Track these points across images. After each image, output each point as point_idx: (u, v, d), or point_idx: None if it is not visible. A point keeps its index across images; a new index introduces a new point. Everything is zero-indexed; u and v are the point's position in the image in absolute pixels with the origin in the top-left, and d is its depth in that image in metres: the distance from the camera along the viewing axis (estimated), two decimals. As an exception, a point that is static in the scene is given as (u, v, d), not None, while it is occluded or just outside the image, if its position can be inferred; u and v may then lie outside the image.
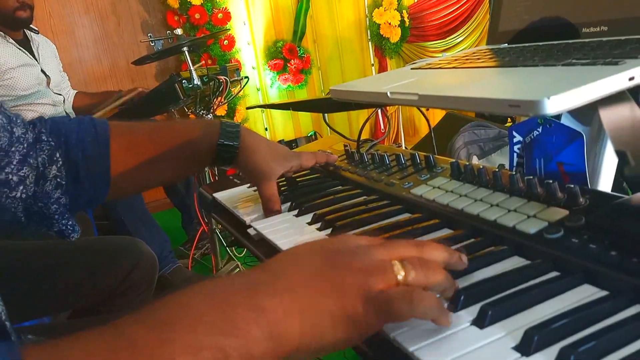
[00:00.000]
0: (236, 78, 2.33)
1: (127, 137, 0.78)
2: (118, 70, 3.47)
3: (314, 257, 0.45)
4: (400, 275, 0.44)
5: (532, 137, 0.67)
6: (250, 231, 0.80)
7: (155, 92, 1.95)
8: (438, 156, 0.85)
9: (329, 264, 0.44)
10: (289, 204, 0.85)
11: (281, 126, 3.57)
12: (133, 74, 3.47)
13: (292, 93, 3.57)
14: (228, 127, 0.81)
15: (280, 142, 3.42)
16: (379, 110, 1.05)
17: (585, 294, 0.47)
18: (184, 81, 1.89)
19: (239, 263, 1.98)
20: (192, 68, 1.90)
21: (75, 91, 2.46)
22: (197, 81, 1.90)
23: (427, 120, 1.00)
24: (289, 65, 3.49)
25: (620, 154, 0.41)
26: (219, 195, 0.98)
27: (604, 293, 0.46)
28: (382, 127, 3.52)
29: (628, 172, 0.40)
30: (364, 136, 1.15)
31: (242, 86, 2.38)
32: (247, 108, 3.09)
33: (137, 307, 1.20)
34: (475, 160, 2.16)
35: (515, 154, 0.72)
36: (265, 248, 0.75)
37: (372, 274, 0.44)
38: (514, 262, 0.55)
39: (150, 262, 1.26)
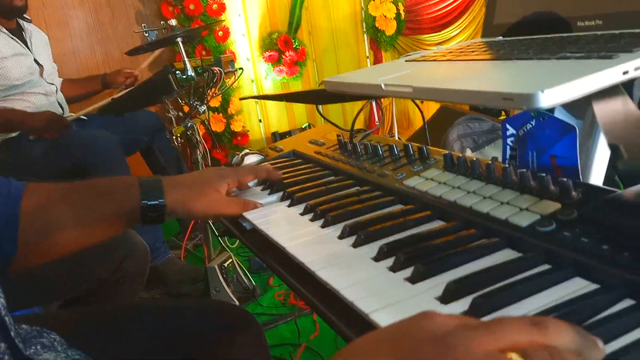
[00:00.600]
0: (230, 69, 2.31)
1: (40, 197, 0.71)
2: (112, 60, 3.44)
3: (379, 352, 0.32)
4: None
5: (526, 130, 0.67)
6: (242, 221, 0.80)
7: (148, 83, 1.93)
8: (431, 147, 0.85)
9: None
10: (280, 194, 0.85)
11: (275, 118, 3.56)
12: (127, 65, 3.44)
13: (286, 85, 3.55)
14: (148, 187, 0.75)
15: (274, 134, 3.41)
16: (373, 102, 1.04)
17: (576, 287, 0.47)
18: (177, 72, 1.87)
19: (231, 254, 1.98)
20: (186, 59, 1.88)
21: (62, 79, 2.44)
22: (191, 72, 1.89)
23: (422, 113, 1.00)
24: (283, 57, 3.47)
25: (613, 147, 0.41)
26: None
27: (595, 287, 0.46)
28: (377, 119, 3.52)
29: (621, 165, 0.40)
30: (359, 127, 1.14)
31: (236, 78, 2.36)
32: (241, 99, 3.07)
33: (128, 297, 1.18)
34: (468, 153, 2.16)
35: (508, 147, 0.72)
36: (258, 239, 0.74)
37: None
38: (506, 255, 0.55)
39: (142, 253, 1.26)
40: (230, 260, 1.96)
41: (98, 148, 2.00)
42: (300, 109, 3.59)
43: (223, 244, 2.12)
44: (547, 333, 0.32)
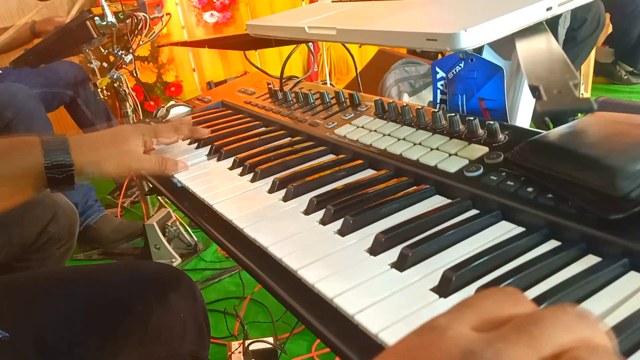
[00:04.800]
0: (157, 15, 2.17)
1: None
2: (26, 6, 3.16)
3: None
4: None
5: (455, 73, 0.65)
6: (173, 180, 0.75)
7: (64, 30, 1.78)
8: (363, 94, 0.83)
9: None
10: (208, 147, 0.81)
11: (209, 66, 3.41)
12: (43, 12, 3.16)
13: (219, 31, 3.39)
14: (51, 146, 0.67)
15: (209, 83, 3.28)
16: (311, 46, 1.00)
17: (502, 231, 0.47)
18: (96, 18, 1.73)
19: (170, 210, 1.92)
20: (104, 3, 1.74)
21: None
22: (111, 18, 1.75)
23: (352, 57, 0.96)
24: (214, 0, 3.30)
25: (533, 89, 0.40)
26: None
27: (520, 230, 0.46)
28: (316, 65, 3.44)
29: (539, 108, 0.39)
30: (297, 74, 1.10)
31: (163, 24, 2.22)
32: (159, 46, 2.90)
33: (57, 261, 1.12)
34: (406, 98, 2.16)
35: (438, 91, 0.70)
36: (187, 196, 0.71)
37: None
38: (436, 202, 0.54)
39: (68, 213, 1.19)
40: (170, 216, 1.91)
41: (15, 103, 1.85)
42: (235, 56, 3.45)
43: (161, 200, 2.05)
44: (591, 328, 0.23)
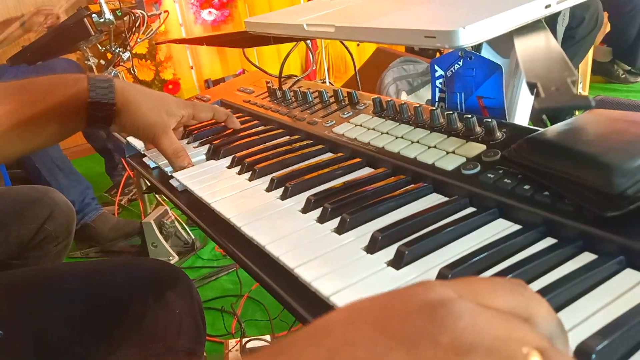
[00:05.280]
0: (155, 12, 2.17)
1: None
2: (24, 5, 3.15)
3: (361, 325, 0.23)
4: None
5: (453, 70, 0.65)
6: (173, 182, 0.75)
7: (62, 28, 1.78)
8: (362, 92, 0.83)
9: (386, 332, 0.22)
10: (207, 146, 0.81)
11: (208, 64, 3.41)
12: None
13: (217, 28, 3.39)
14: (98, 82, 0.68)
15: (207, 81, 3.28)
16: (309, 44, 1.00)
17: (499, 228, 0.47)
18: (94, 15, 1.73)
19: (167, 208, 1.92)
20: (102, 0, 1.73)
21: None
22: (109, 15, 1.74)
23: (351, 54, 0.96)
24: (213, -2, 3.30)
25: (531, 86, 0.40)
26: (134, 140, 0.91)
27: (517, 227, 0.46)
28: (314, 63, 3.44)
29: (537, 105, 0.39)
30: (295, 73, 1.10)
31: (161, 21, 2.22)
32: (156, 44, 2.90)
33: (53, 259, 1.11)
34: (404, 96, 2.16)
35: (437, 89, 0.70)
36: (185, 195, 0.71)
37: None
38: (433, 200, 0.54)
39: (65, 211, 1.19)
40: (167, 214, 1.91)
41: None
42: (233, 53, 3.45)
43: (159, 198, 2.05)
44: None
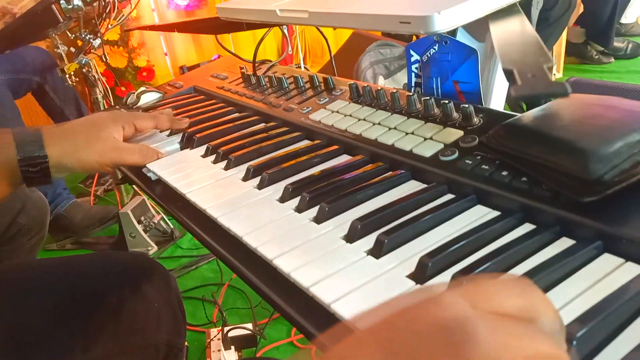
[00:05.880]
0: (125, -3, 2.11)
1: None
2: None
3: (366, 347, 0.22)
4: None
5: (429, 55, 0.65)
6: (146, 172, 0.73)
7: (29, 14, 1.72)
8: (338, 77, 0.82)
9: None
10: (180, 135, 0.79)
11: (182, 50, 3.34)
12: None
13: (191, 14, 3.32)
14: (24, 138, 0.64)
15: (182, 67, 3.22)
16: (285, 29, 0.98)
17: (477, 215, 0.47)
18: (62, 2, 1.67)
19: (144, 198, 1.89)
20: (70, -14, 1.68)
21: None
22: (77, 1, 1.69)
23: (326, 39, 0.95)
24: (185, -18, 3.22)
25: (507, 72, 0.40)
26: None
27: (496, 214, 0.46)
28: (290, 48, 3.40)
29: (513, 92, 0.39)
30: (272, 58, 1.08)
31: (132, 7, 2.16)
32: (126, 30, 2.82)
33: (28, 253, 1.09)
34: (381, 80, 2.15)
35: (413, 74, 0.70)
36: (160, 185, 0.69)
37: None
38: (411, 187, 0.54)
39: (37, 203, 1.16)
40: (145, 203, 1.88)
41: (-21, 91, 1.79)
42: (208, 39, 3.39)
43: (136, 188, 2.02)
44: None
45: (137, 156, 0.71)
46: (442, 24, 0.40)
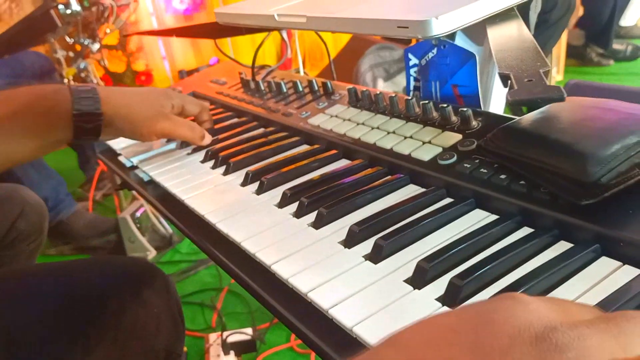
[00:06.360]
0: (124, 2, 2.12)
1: None
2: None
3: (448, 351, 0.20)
4: None
5: (428, 59, 0.65)
6: (139, 172, 0.74)
7: (28, 20, 1.73)
8: (337, 82, 0.82)
9: None
10: (179, 141, 0.79)
11: (181, 54, 3.35)
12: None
13: (190, 18, 3.33)
14: (81, 93, 0.65)
15: (180, 72, 3.22)
16: (284, 33, 0.98)
17: (476, 219, 0.47)
18: (60, 7, 1.68)
19: (143, 202, 1.89)
20: (68, -9, 1.69)
21: None
22: (76, 6, 1.70)
23: (324, 43, 0.95)
24: (184, -14, 3.23)
25: (504, 77, 0.40)
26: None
27: (494, 217, 0.46)
28: (290, 52, 3.40)
29: (510, 97, 0.39)
30: (271, 62, 1.08)
31: (131, 11, 2.17)
32: (124, 35, 2.83)
33: (27, 258, 1.08)
34: (381, 83, 2.16)
35: (411, 77, 0.70)
36: (158, 191, 0.69)
37: None
38: (410, 191, 0.54)
39: (36, 209, 1.16)
40: (144, 208, 1.88)
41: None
42: (207, 43, 3.39)
43: (134, 193, 2.02)
44: None
45: (186, 129, 0.72)
46: (439, 28, 0.40)
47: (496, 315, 0.21)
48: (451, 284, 0.38)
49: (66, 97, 0.64)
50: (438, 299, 0.38)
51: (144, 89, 0.74)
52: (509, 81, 0.39)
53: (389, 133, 0.61)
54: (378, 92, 0.68)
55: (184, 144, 0.77)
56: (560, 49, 2.67)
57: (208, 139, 0.74)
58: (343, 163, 0.63)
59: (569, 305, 0.23)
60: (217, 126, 0.82)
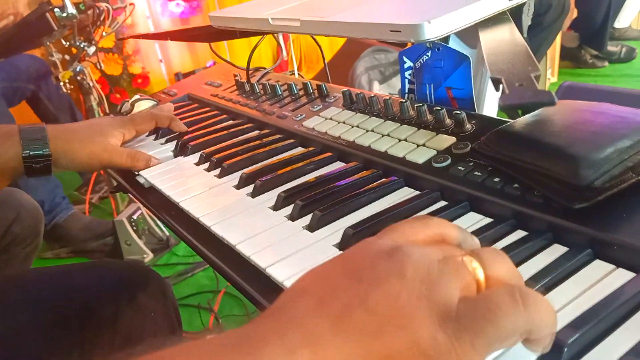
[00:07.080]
0: (120, 5, 2.11)
1: None
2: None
3: (334, 278, 0.28)
4: (480, 273, 0.28)
5: (422, 62, 0.65)
6: (139, 179, 0.73)
7: (24, 22, 1.72)
8: (331, 84, 0.82)
9: (361, 279, 0.27)
10: (174, 142, 0.79)
11: (177, 57, 3.34)
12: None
13: (187, 21, 3.33)
14: (30, 134, 0.68)
15: (177, 74, 3.22)
16: (280, 36, 0.98)
17: (470, 222, 0.47)
18: (56, 10, 1.67)
19: (140, 205, 1.88)
20: (64, -6, 1.68)
21: None
22: (71, 9, 1.69)
23: (319, 46, 0.95)
24: (180, -11, 3.23)
25: (495, 81, 0.40)
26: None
27: (488, 220, 0.46)
28: (285, 54, 3.41)
29: (502, 102, 0.39)
30: (267, 64, 1.08)
31: (127, 14, 2.17)
32: (119, 39, 2.82)
33: (22, 262, 1.08)
34: (376, 86, 2.16)
35: (406, 80, 0.70)
36: (153, 194, 0.69)
37: (440, 280, 0.27)
38: (404, 194, 0.54)
39: (32, 212, 1.15)
40: (140, 211, 1.87)
41: (-26, 99, 1.79)
42: (203, 46, 3.39)
43: (131, 196, 2.01)
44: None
45: (125, 158, 0.73)
46: (432, 32, 0.40)
47: (362, 249, 0.30)
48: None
49: (16, 140, 0.67)
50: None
51: (92, 121, 0.77)
52: (501, 85, 0.39)
53: (383, 136, 0.61)
54: (372, 95, 0.68)
55: (180, 150, 0.77)
56: (554, 50, 2.68)
57: (154, 162, 0.74)
58: (338, 165, 0.63)
59: (408, 230, 0.32)
60: (211, 128, 0.82)
